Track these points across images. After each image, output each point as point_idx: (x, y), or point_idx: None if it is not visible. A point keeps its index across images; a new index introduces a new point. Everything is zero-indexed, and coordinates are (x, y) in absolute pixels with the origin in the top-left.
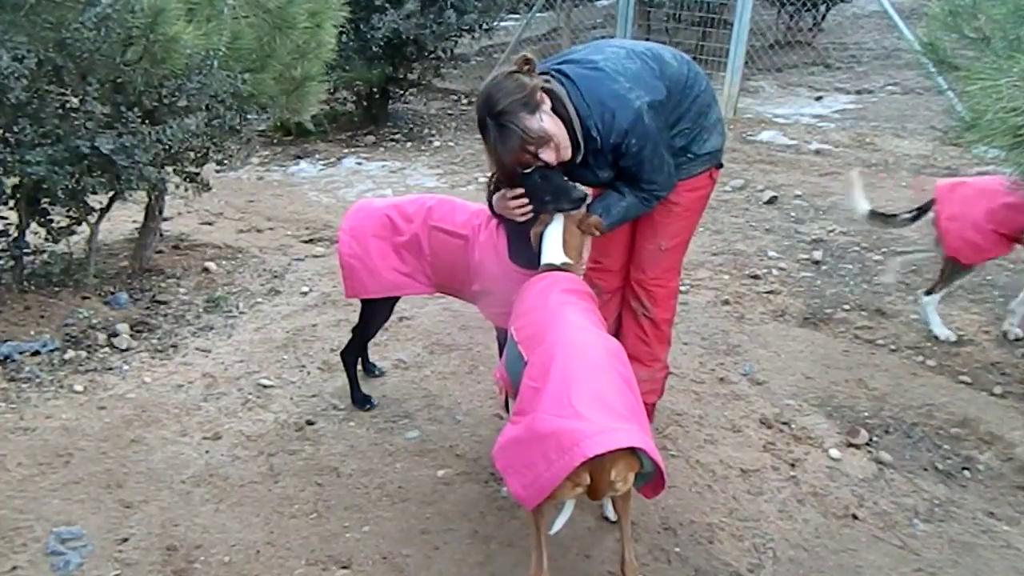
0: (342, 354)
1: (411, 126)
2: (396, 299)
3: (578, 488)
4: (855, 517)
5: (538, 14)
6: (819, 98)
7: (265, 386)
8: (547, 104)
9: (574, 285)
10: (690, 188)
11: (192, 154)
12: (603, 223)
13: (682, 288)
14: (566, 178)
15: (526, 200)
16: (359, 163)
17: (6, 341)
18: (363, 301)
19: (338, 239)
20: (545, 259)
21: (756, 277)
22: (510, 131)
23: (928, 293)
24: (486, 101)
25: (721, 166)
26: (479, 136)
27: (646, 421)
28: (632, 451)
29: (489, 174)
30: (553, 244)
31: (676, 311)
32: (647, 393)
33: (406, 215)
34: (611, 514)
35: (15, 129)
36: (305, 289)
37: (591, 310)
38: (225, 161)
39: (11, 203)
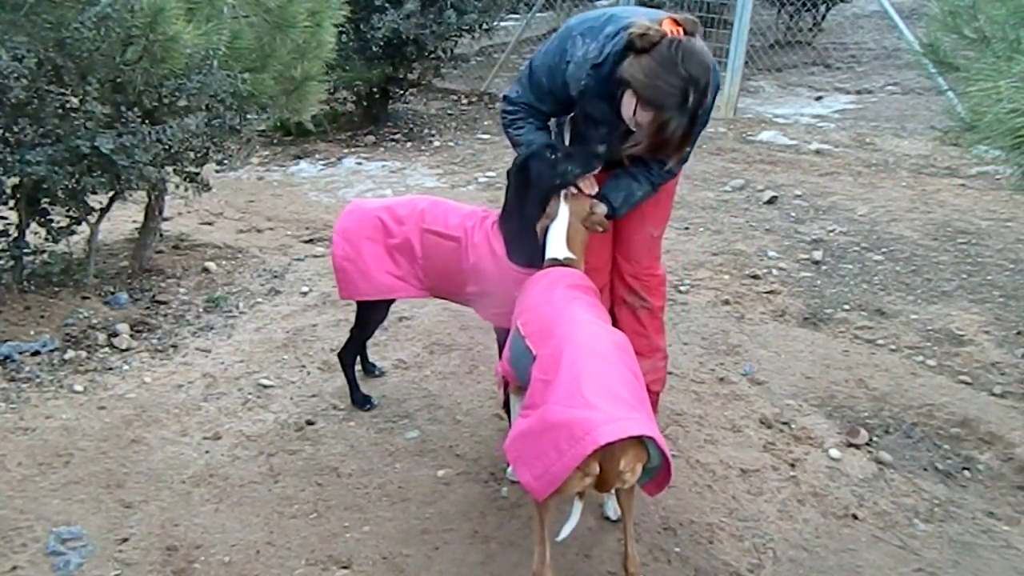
0: (340, 355)
1: (411, 126)
2: (392, 300)
3: (587, 479)
4: (855, 517)
5: (538, 14)
6: (819, 98)
7: (265, 386)
8: None
9: (578, 280)
10: None
11: (192, 154)
12: (618, 212)
13: (682, 288)
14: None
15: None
16: (359, 163)
17: (6, 341)
18: (358, 302)
19: (332, 241)
20: (550, 253)
21: (756, 277)
22: (686, 112)
23: None
24: (708, 70)
25: None
26: (479, 136)
27: (652, 413)
28: (640, 442)
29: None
30: (558, 238)
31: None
32: (652, 383)
33: (397, 218)
34: (611, 513)
35: (15, 129)
36: (305, 289)
37: (596, 305)
38: (225, 161)
39: (11, 203)
